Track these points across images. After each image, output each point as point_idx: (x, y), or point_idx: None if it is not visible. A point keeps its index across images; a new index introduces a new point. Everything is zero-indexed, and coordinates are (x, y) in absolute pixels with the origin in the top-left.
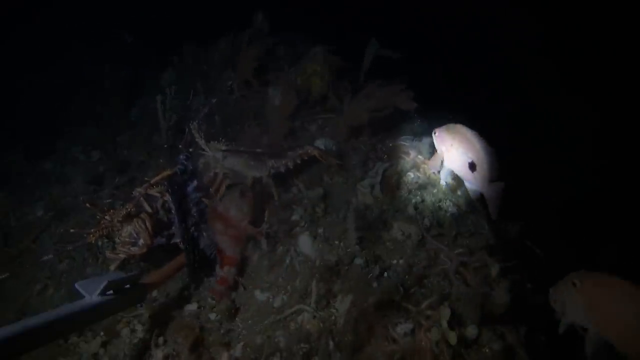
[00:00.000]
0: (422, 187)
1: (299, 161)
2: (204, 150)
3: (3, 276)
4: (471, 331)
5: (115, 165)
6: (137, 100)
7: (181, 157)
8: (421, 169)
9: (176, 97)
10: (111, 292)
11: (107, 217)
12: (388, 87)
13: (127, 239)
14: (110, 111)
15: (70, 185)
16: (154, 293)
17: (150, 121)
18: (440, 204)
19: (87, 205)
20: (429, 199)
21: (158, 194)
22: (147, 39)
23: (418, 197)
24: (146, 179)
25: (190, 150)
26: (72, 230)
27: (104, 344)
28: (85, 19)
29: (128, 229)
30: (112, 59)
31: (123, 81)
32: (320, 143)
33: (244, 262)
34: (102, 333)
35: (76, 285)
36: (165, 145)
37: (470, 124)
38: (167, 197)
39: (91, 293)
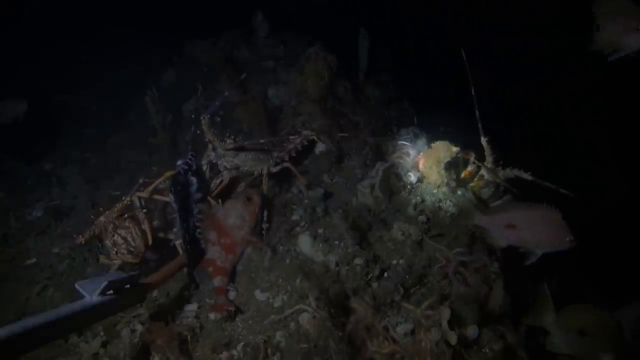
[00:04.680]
0: (422, 187)
1: (300, 148)
2: (215, 146)
3: None
4: (471, 331)
5: (115, 165)
6: (136, 101)
7: (186, 155)
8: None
9: (173, 97)
10: (111, 292)
11: (101, 218)
12: None
13: (120, 243)
14: (110, 111)
15: (70, 185)
16: (154, 293)
17: (149, 121)
18: (440, 204)
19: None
20: (429, 199)
21: (155, 197)
22: (147, 39)
23: (418, 197)
24: (146, 180)
25: (193, 151)
26: (68, 228)
27: (104, 344)
28: (85, 18)
29: (122, 233)
30: (111, 58)
31: (122, 81)
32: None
33: (235, 271)
34: (102, 333)
35: (76, 285)
36: (162, 144)
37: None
38: (170, 197)
39: (91, 293)
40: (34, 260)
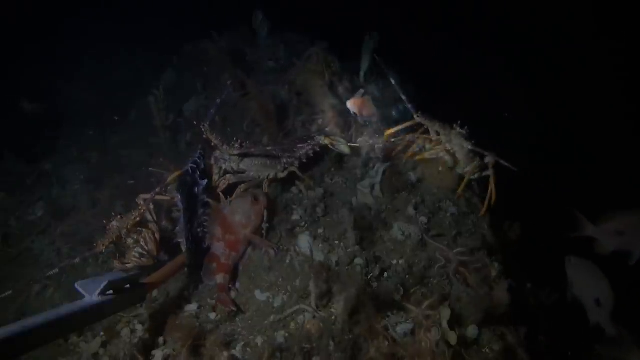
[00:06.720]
0: (422, 187)
1: (311, 154)
2: (220, 151)
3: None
4: (471, 331)
5: (115, 165)
6: (137, 101)
7: (195, 155)
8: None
9: (174, 97)
10: (111, 292)
11: (114, 222)
12: None
13: (135, 248)
14: (110, 112)
15: (70, 185)
16: (154, 293)
17: (149, 121)
18: (440, 204)
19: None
20: (429, 199)
21: (167, 197)
22: (148, 39)
23: (418, 197)
24: (154, 186)
25: (202, 150)
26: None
27: (104, 344)
28: (85, 18)
29: (136, 238)
30: (112, 58)
31: (123, 81)
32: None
33: (236, 269)
34: (102, 333)
35: (76, 285)
36: (163, 143)
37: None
38: (176, 196)
39: (91, 293)
40: (56, 270)
